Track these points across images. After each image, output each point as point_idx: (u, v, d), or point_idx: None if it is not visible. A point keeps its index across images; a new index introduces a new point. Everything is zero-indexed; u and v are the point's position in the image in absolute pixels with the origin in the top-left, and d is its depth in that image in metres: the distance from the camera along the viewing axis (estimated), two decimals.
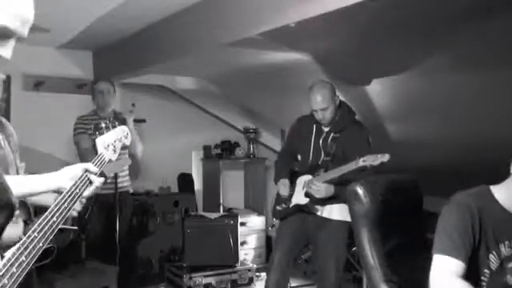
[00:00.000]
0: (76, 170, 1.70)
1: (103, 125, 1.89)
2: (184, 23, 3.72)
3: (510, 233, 1.73)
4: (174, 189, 5.49)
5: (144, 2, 3.56)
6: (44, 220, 1.43)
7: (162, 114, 5.33)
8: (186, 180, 5.56)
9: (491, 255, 1.70)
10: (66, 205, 1.52)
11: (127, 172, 4.17)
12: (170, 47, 3.97)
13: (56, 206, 1.49)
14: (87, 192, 1.66)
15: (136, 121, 4.03)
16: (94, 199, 2.51)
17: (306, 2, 2.64)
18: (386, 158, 2.80)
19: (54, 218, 1.46)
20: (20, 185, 1.64)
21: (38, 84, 4.79)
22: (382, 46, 3.21)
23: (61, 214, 1.48)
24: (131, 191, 4.38)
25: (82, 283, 3.48)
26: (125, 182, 4.10)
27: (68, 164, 1.73)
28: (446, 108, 3.52)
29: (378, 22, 2.89)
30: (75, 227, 2.13)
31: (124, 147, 3.92)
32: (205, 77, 5.00)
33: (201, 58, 4.10)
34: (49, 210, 1.46)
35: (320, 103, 3.13)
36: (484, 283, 1.71)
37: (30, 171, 2.02)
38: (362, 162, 2.84)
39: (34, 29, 1.31)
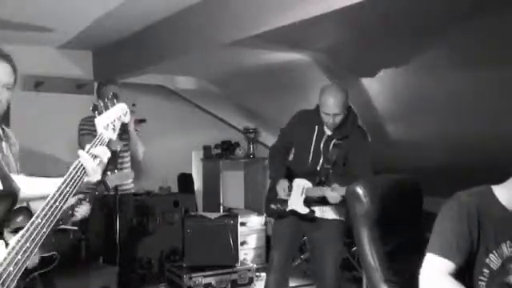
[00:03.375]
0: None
1: (101, 104, 1.83)
2: (184, 23, 3.72)
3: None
4: (174, 189, 5.49)
5: (144, 2, 3.56)
6: (47, 205, 1.45)
7: (162, 114, 5.33)
8: (186, 180, 5.56)
9: (491, 255, 1.70)
10: (68, 189, 1.52)
11: None
12: (170, 47, 3.97)
13: (58, 191, 1.49)
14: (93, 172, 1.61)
15: (136, 121, 4.03)
16: (95, 199, 2.52)
17: (305, 3, 2.64)
18: None
19: (57, 203, 1.47)
20: (34, 186, 1.67)
21: (38, 84, 4.79)
22: (382, 44, 3.21)
23: (63, 198, 1.49)
24: (133, 191, 4.39)
25: (82, 283, 3.48)
26: (128, 184, 4.10)
27: (69, 164, 1.72)
28: (446, 108, 3.52)
29: (377, 21, 2.89)
30: (75, 227, 2.13)
31: (125, 144, 3.96)
32: (205, 77, 5.00)
33: (201, 58, 4.10)
34: (50, 196, 1.48)
35: (334, 108, 3.04)
36: (483, 283, 1.70)
37: (29, 171, 2.04)
38: None
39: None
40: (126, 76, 4.73)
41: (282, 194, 3.25)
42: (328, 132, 3.19)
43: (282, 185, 3.25)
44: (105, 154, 1.65)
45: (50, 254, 1.44)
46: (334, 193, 2.97)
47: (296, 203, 3.22)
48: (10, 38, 4.07)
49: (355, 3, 2.33)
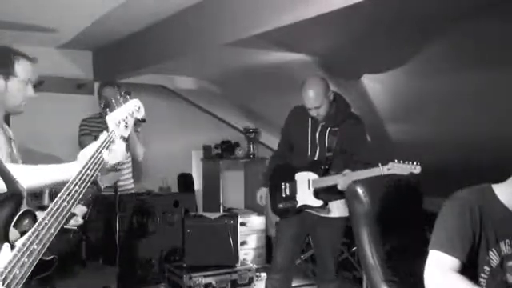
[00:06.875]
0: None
1: (113, 100, 1.79)
2: (184, 23, 3.72)
3: (511, 231, 1.73)
4: (174, 189, 5.49)
5: (144, 3, 3.56)
6: (54, 206, 1.42)
7: (162, 114, 5.32)
8: (186, 180, 5.56)
9: (491, 252, 1.71)
10: (77, 188, 1.49)
11: (131, 175, 4.17)
12: (170, 47, 3.97)
13: (66, 190, 1.47)
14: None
15: (136, 121, 4.02)
16: (95, 199, 2.51)
17: (305, 3, 2.64)
18: (417, 170, 2.70)
19: (65, 203, 1.44)
20: (42, 174, 1.66)
21: (38, 84, 4.77)
22: (382, 44, 3.21)
23: (72, 197, 1.46)
24: (133, 191, 4.39)
25: (82, 283, 3.48)
26: (128, 184, 4.11)
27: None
28: (446, 108, 3.52)
29: (378, 21, 2.89)
30: (75, 227, 2.13)
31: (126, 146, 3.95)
32: (205, 77, 5.00)
33: (201, 58, 4.10)
34: (59, 196, 1.44)
35: (313, 101, 3.09)
36: (484, 280, 1.71)
37: None
38: (386, 171, 2.78)
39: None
40: (126, 76, 4.73)
41: (258, 201, 3.47)
42: (321, 122, 3.21)
43: (261, 192, 3.47)
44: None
45: (50, 257, 1.42)
46: (346, 178, 2.93)
47: (306, 197, 3.18)
48: (10, 37, 4.07)
49: (355, 3, 2.33)
